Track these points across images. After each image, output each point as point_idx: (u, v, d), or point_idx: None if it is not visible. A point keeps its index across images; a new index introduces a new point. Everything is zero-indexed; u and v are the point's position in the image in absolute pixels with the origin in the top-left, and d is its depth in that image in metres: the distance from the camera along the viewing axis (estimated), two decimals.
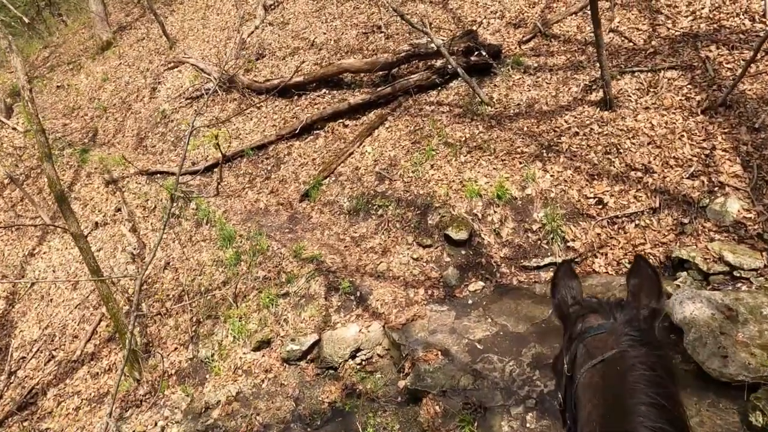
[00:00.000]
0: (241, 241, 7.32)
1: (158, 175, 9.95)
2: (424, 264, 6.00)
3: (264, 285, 6.37)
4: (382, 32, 10.01)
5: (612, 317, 1.33)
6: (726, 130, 5.44)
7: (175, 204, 8.92)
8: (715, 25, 6.47)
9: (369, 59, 8.89)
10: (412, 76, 8.15)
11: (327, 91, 9.54)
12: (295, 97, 9.81)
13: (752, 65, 5.71)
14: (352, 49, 10.16)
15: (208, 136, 10.36)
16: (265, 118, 9.96)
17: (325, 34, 11.16)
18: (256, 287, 6.42)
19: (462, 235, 5.85)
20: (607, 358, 1.22)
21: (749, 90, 5.62)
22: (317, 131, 8.88)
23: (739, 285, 4.45)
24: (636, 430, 1.08)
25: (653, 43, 6.77)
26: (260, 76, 11.03)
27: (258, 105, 10.30)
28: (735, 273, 4.52)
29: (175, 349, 6.56)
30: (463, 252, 5.92)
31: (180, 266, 7.71)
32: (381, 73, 8.92)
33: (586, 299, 1.48)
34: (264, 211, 7.97)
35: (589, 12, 7.69)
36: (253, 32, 12.79)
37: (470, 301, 5.47)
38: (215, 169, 9.57)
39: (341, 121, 8.66)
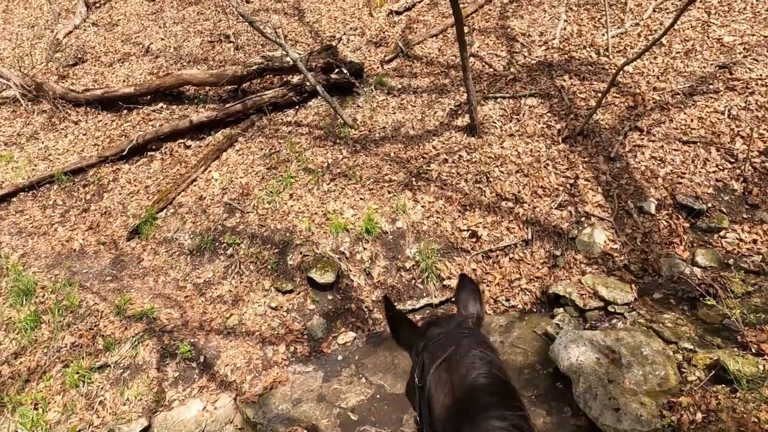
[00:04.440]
0: (43, 295, 5.64)
1: None
2: (285, 314, 5.07)
3: (73, 355, 4.86)
4: (231, 42, 8.92)
5: (446, 325, 1.53)
6: (586, 159, 5.46)
7: None
8: (566, 56, 6.65)
9: (215, 71, 7.75)
10: (266, 93, 7.22)
11: (165, 106, 8.13)
12: (124, 112, 8.22)
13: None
14: (195, 59, 8.89)
15: (5, 156, 8.24)
16: (84, 135, 8.16)
17: (163, 40, 9.69)
18: (62, 359, 4.87)
19: (328, 277, 5.05)
20: (448, 354, 1.40)
21: (602, 120, 5.75)
22: (152, 153, 7.44)
23: (614, 321, 4.30)
24: (484, 402, 1.28)
25: (512, 69, 6.76)
26: (79, 85, 9.15)
27: (75, 119, 8.44)
28: (609, 308, 4.39)
29: None
30: (330, 297, 5.12)
31: None
32: (229, 87, 7.83)
33: (422, 319, 1.75)
34: (79, 252, 6.32)
35: (450, 35, 7.55)
36: (71, 32, 10.72)
37: (340, 357, 4.67)
38: (14, 199, 7.53)
39: (182, 141, 7.36)
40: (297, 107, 7.26)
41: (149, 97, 8.28)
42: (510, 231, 5.16)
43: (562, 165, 5.47)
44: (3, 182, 7.81)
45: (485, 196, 5.43)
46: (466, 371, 1.34)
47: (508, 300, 4.86)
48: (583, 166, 5.40)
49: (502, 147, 5.81)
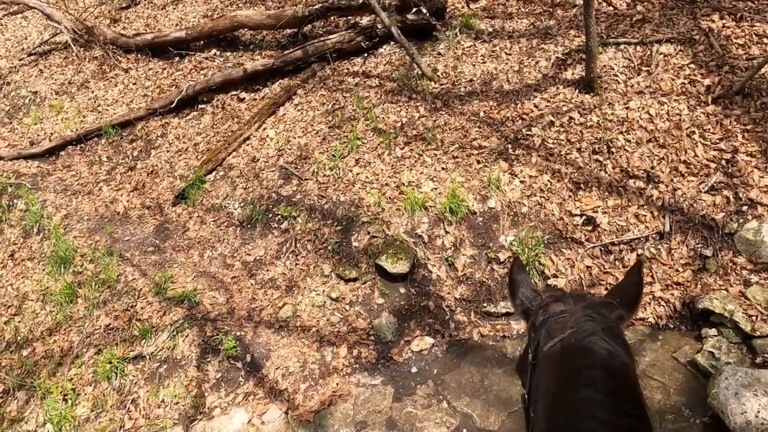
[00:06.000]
0: (81, 264, 5.07)
1: None
2: (347, 307, 4.19)
3: (106, 340, 4.24)
4: None
5: (572, 304, 1.33)
6: (748, 127, 4.08)
7: None
8: None
9: (273, 12, 6.74)
10: (330, 37, 6.15)
11: (218, 53, 7.27)
12: (176, 59, 7.44)
13: None
14: (252, 0, 7.91)
15: (55, 105, 7.74)
16: (134, 84, 7.49)
17: None
18: (95, 343, 4.27)
19: (401, 266, 4.10)
20: (566, 336, 1.22)
21: None
22: (203, 105, 6.64)
23: None
24: (583, 395, 1.09)
25: (639, 8, 5.31)
26: (131, 29, 8.44)
27: (125, 67, 7.76)
28: None
29: None
30: (403, 290, 4.18)
31: None
32: (289, 31, 6.83)
33: (547, 291, 1.50)
34: (122, 216, 5.70)
35: None
36: None
37: (414, 368, 3.76)
38: (62, 152, 7.04)
39: (235, 93, 6.50)
40: (365, 55, 6.17)
41: (202, 42, 7.45)
42: (640, 219, 3.96)
43: (713, 134, 4.13)
44: (52, 134, 7.34)
45: (606, 172, 4.21)
46: (575, 358, 1.17)
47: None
48: (744, 135, 4.04)
49: (627, 108, 4.51)
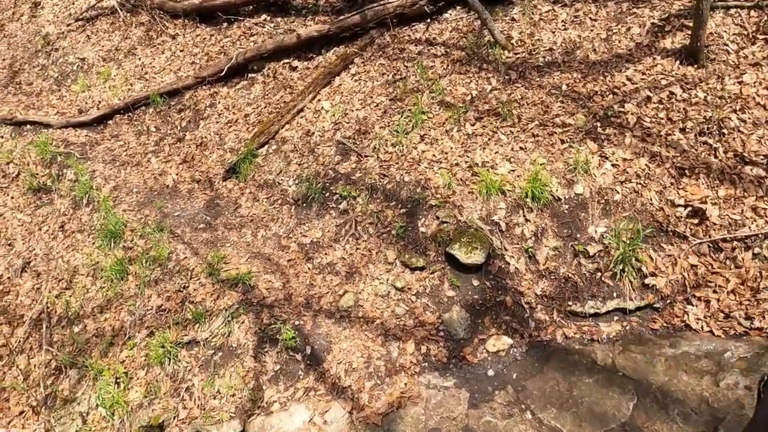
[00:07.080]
0: (132, 240, 4.88)
1: (28, 125, 7.11)
2: (414, 299, 3.84)
3: (159, 322, 4.04)
4: None
5: None
6: None
7: (48, 171, 6.27)
8: None
9: None
10: (391, 0, 5.66)
11: (268, 18, 6.86)
12: (224, 25, 7.09)
13: None
14: None
15: (102, 72, 7.55)
16: (181, 51, 7.20)
17: None
18: (147, 324, 4.08)
19: (476, 257, 3.70)
20: None
21: None
22: (253, 74, 6.30)
23: None
24: None
25: None
26: None
27: (172, 33, 7.47)
28: None
29: (21, 413, 4.21)
30: (476, 282, 3.79)
31: (45, 270, 5.19)
32: None
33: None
34: (172, 190, 5.48)
35: None
36: None
37: (491, 371, 3.40)
38: (110, 121, 6.86)
39: (287, 61, 6.11)
40: (429, 20, 5.65)
41: (251, 7, 7.05)
42: (758, 213, 3.43)
43: None
44: (100, 102, 7.17)
45: (716, 157, 3.67)
46: None
47: (749, 318, 3.24)
48: None
49: (740, 82, 3.91)
